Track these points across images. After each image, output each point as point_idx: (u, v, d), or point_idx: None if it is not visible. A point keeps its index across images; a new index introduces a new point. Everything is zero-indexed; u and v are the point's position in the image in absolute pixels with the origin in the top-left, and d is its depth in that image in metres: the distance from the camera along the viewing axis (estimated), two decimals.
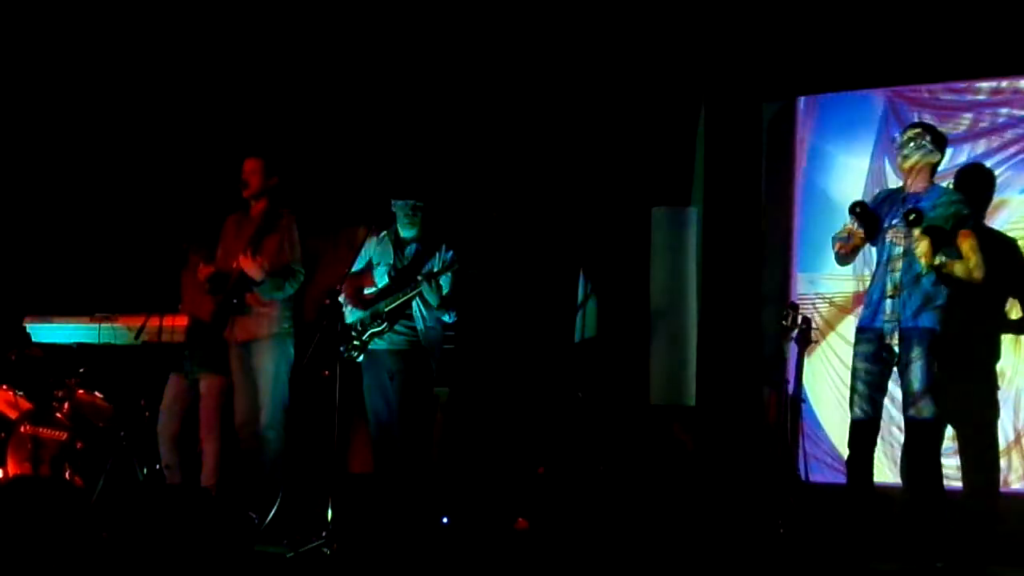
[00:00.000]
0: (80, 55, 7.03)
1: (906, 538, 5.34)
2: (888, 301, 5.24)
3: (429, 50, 6.95)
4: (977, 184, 5.64)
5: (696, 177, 7.15)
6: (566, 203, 7.36)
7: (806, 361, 5.93)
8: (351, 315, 6.28)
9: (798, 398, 5.81)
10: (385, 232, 6.40)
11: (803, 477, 5.73)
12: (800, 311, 5.77)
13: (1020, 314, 5.79)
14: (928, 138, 5.34)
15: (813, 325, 5.70)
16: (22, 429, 6.85)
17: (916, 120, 5.79)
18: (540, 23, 6.53)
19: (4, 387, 7.12)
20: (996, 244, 5.42)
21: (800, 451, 5.77)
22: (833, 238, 5.42)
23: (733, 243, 7.01)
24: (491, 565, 5.52)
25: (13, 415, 6.99)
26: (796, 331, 5.73)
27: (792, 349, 5.80)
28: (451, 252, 6.29)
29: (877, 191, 5.69)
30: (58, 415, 6.89)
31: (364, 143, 7.91)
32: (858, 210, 5.31)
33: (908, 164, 5.32)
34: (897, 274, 5.25)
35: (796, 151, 6.99)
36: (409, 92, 7.52)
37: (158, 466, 6.55)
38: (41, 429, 6.84)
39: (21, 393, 7.06)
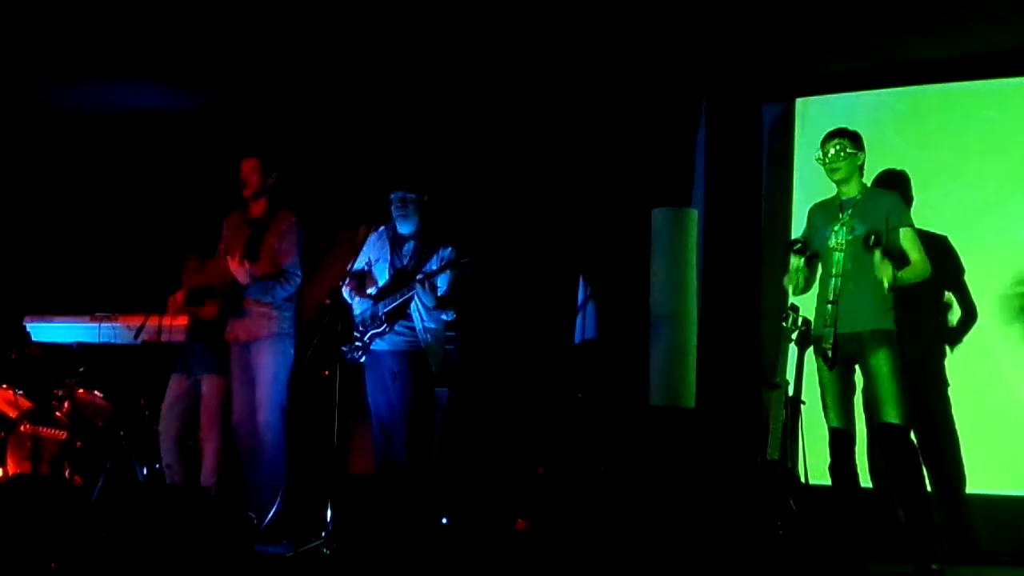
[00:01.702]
0: (79, 56, 7.03)
1: (900, 539, 5.36)
2: (828, 307, 5.31)
3: (428, 50, 6.94)
4: (901, 188, 5.74)
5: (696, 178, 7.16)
6: (566, 204, 7.36)
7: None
8: (359, 306, 6.25)
9: (798, 399, 5.82)
10: (383, 228, 6.38)
11: (803, 479, 5.73)
12: (800, 312, 5.78)
13: (958, 311, 5.89)
14: (848, 142, 5.41)
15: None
16: (22, 428, 6.85)
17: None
18: (539, 24, 6.53)
19: (4, 386, 7.12)
20: (928, 242, 5.49)
21: (800, 452, 5.78)
22: (785, 282, 5.53)
23: (733, 244, 7.02)
24: (490, 566, 5.52)
25: (13, 414, 6.99)
26: (796, 332, 5.74)
27: (792, 350, 5.81)
28: (449, 249, 6.27)
29: (811, 207, 5.75)
30: (58, 414, 6.90)
31: (363, 143, 7.92)
32: (797, 247, 5.44)
33: (839, 176, 5.41)
34: (837, 280, 5.31)
35: (795, 152, 7.00)
36: (408, 92, 7.52)
37: (158, 466, 6.56)
38: (41, 428, 6.84)
39: (21, 392, 7.07)
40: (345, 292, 6.26)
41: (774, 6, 6.17)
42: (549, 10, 6.35)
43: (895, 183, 6.01)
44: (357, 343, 6.17)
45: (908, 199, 5.90)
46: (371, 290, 6.27)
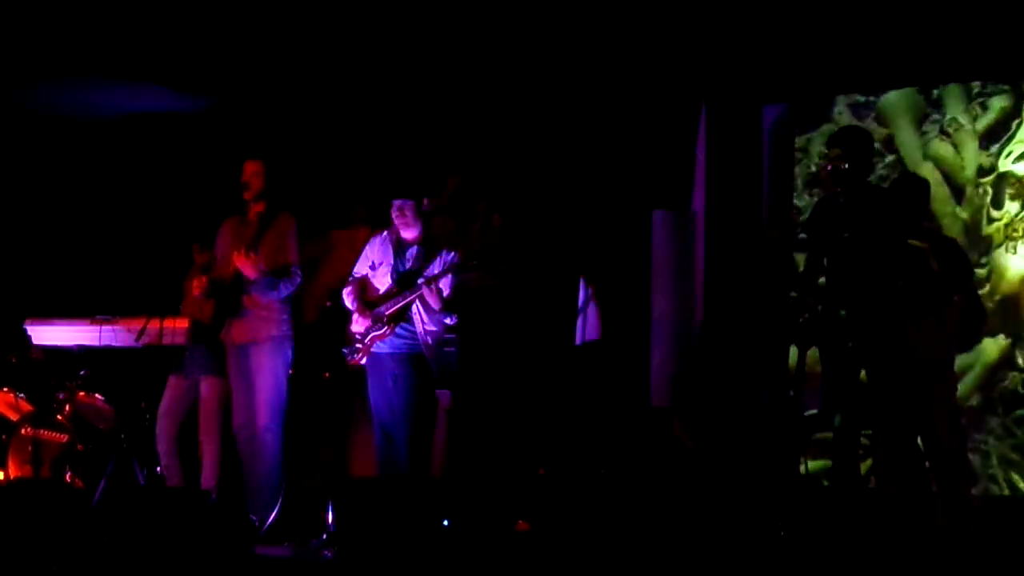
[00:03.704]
0: (82, 58, 7.03)
1: (903, 541, 5.36)
2: (843, 312, 5.30)
3: (430, 52, 6.95)
4: (917, 194, 5.70)
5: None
6: (567, 206, 7.36)
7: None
8: (359, 323, 6.25)
9: (800, 400, 5.81)
10: (386, 233, 6.39)
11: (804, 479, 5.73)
12: (804, 313, 5.77)
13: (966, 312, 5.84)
14: (852, 146, 5.39)
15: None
16: (23, 431, 6.85)
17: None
18: (541, 26, 6.53)
19: (5, 389, 7.12)
20: (941, 245, 5.46)
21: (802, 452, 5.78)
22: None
23: (734, 246, 7.01)
24: (492, 567, 5.52)
25: (14, 417, 7.00)
26: (799, 333, 5.73)
27: (795, 351, 5.81)
28: (452, 253, 6.29)
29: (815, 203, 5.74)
30: (59, 417, 6.90)
31: (364, 145, 7.91)
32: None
33: (843, 181, 5.40)
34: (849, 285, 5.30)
35: (795, 153, 7.00)
36: (409, 94, 7.52)
37: (158, 468, 6.56)
38: (42, 431, 6.84)
39: (22, 395, 7.07)
40: (347, 300, 6.27)
41: (773, 9, 6.17)
42: (549, 14, 6.36)
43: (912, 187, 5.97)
44: (358, 345, 6.18)
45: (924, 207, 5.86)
46: (380, 289, 6.27)
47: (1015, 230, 6.38)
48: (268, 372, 6.27)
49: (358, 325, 6.23)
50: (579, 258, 7.23)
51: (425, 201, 6.32)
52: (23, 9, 6.37)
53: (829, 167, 5.47)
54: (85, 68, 7.18)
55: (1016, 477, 6.25)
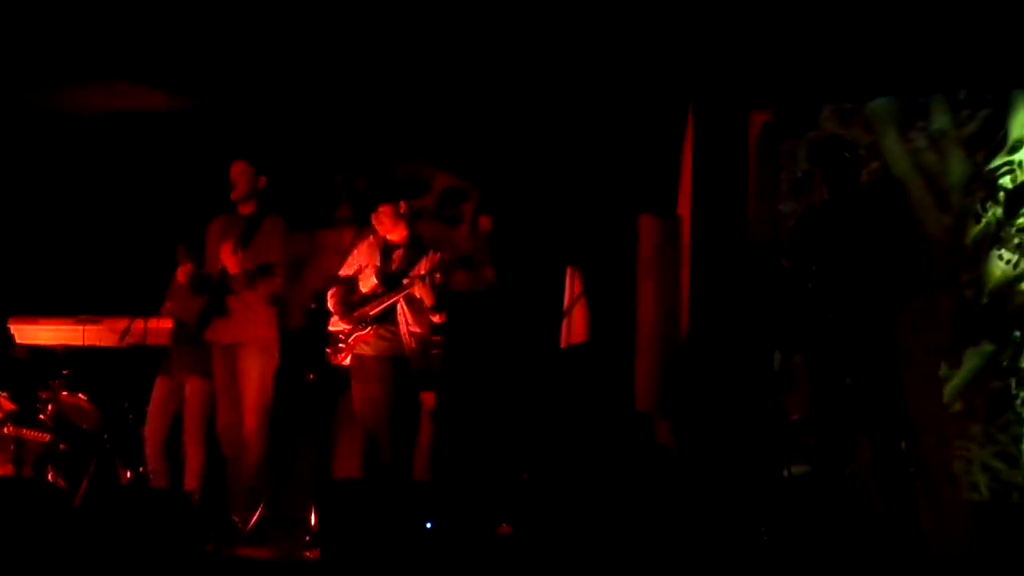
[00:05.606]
0: (71, 56, 7.01)
1: (887, 546, 5.37)
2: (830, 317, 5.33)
3: (418, 54, 6.95)
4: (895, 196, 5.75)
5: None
6: (554, 209, 7.37)
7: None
8: (336, 326, 6.25)
9: (784, 405, 5.83)
10: (372, 233, 6.39)
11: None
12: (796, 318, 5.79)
13: None
14: (845, 152, 5.44)
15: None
16: (5, 430, 6.82)
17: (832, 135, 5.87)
18: (530, 29, 6.55)
19: None
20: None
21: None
22: None
23: (720, 251, 7.03)
24: (474, 571, 5.52)
25: None
26: (789, 336, 5.76)
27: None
28: (438, 254, 6.28)
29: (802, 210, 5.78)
30: (41, 417, 6.87)
31: (354, 146, 7.91)
32: None
33: (837, 185, 5.44)
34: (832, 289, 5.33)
35: (783, 160, 7.02)
36: (398, 95, 7.53)
37: (141, 469, 6.54)
38: (24, 430, 6.81)
39: (4, 394, 7.04)
40: (329, 302, 6.26)
41: (760, 15, 6.19)
42: (538, 17, 6.37)
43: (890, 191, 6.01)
44: (340, 345, 6.17)
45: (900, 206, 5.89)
46: (365, 290, 6.27)
47: (999, 237, 6.41)
48: (255, 373, 6.26)
49: (336, 326, 6.23)
50: (565, 261, 7.24)
51: (403, 204, 6.29)
52: (11, 7, 6.35)
53: (820, 170, 5.52)
54: (71, 67, 7.16)
55: (997, 483, 6.28)
